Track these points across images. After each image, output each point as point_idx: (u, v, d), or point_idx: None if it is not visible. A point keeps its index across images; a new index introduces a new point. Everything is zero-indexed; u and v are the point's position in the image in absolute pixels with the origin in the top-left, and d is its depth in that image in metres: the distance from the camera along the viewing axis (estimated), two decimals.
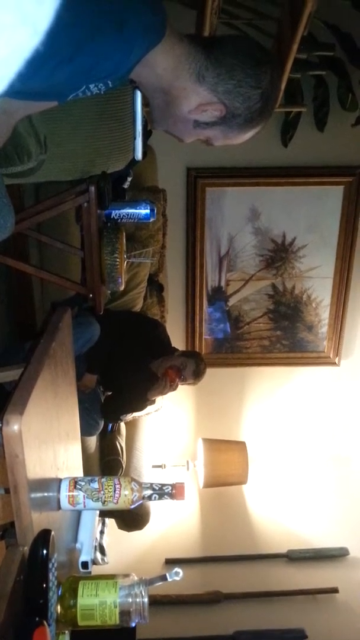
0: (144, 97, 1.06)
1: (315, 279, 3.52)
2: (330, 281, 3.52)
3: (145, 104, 1.06)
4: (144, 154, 1.28)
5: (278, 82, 1.00)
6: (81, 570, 1.28)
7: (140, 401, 2.68)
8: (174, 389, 2.57)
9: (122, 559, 3.01)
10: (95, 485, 1.14)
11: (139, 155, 1.25)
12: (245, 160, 3.15)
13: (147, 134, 1.71)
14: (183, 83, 0.95)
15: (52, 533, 0.96)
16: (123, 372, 2.60)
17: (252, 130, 1.04)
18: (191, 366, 2.60)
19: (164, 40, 0.91)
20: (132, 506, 1.14)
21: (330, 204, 3.33)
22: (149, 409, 3.10)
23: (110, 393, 2.74)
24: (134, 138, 1.24)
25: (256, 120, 1.01)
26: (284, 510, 3.57)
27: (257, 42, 1.02)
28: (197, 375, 2.64)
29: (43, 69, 0.75)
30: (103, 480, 1.15)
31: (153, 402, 2.86)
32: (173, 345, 2.82)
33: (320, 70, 2.77)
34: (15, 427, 0.86)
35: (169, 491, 1.16)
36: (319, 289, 3.55)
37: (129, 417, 2.88)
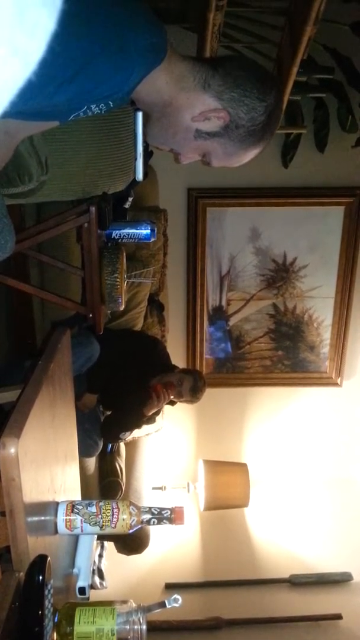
0: (144, 118, 1.06)
1: (317, 298, 3.52)
2: (331, 301, 3.52)
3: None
4: (145, 174, 1.28)
5: (281, 102, 1.01)
6: (78, 596, 1.26)
7: (138, 419, 2.64)
8: (165, 401, 2.53)
9: (121, 583, 2.96)
10: (93, 509, 1.12)
11: (140, 175, 1.25)
12: (246, 180, 3.17)
13: (148, 155, 1.72)
14: (187, 93, 0.96)
15: (49, 558, 0.94)
16: (123, 391, 2.58)
17: (252, 149, 1.03)
18: (188, 383, 2.57)
19: (165, 60, 0.91)
20: (131, 531, 1.12)
21: (331, 224, 3.34)
22: (148, 429, 3.07)
23: (110, 413, 2.72)
24: (135, 159, 1.24)
25: (257, 136, 1.00)
26: (287, 534, 3.52)
27: (261, 65, 1.05)
28: (195, 392, 2.59)
29: (42, 93, 0.75)
30: (101, 504, 1.13)
31: (153, 420, 2.84)
32: (174, 364, 2.80)
33: (320, 93, 2.80)
34: (12, 450, 0.85)
35: (168, 515, 1.14)
36: (320, 308, 3.54)
37: (129, 436, 2.85)
